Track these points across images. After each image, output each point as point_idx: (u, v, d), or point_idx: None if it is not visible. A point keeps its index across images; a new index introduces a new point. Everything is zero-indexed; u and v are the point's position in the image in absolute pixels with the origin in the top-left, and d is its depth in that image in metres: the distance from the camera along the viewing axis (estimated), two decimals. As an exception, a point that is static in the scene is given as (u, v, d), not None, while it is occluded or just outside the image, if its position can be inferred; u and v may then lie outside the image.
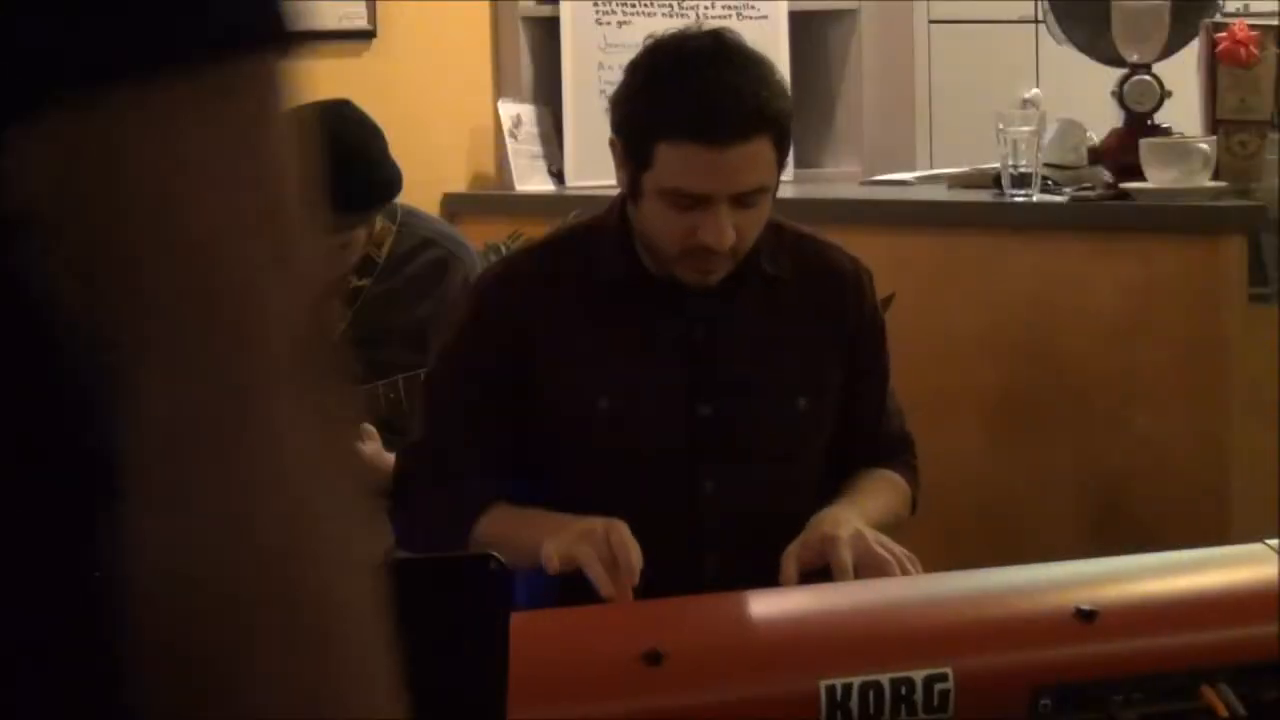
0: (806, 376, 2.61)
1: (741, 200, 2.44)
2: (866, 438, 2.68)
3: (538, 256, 2.66)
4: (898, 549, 2.39)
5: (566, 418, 2.56)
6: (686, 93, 2.43)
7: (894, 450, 2.71)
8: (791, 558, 2.41)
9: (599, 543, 2.32)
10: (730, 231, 2.44)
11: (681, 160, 2.42)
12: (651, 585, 2.34)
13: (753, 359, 2.58)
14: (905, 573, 2.35)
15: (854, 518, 2.46)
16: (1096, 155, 3.80)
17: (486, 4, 4.68)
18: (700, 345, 2.56)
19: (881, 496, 2.62)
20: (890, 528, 2.55)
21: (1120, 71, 3.75)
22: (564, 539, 2.35)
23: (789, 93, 2.53)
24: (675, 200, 2.44)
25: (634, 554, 2.32)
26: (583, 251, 2.60)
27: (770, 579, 2.41)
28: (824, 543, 2.39)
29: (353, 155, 3.27)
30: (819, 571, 2.39)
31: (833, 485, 2.64)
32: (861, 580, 2.35)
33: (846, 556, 2.35)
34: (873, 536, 2.40)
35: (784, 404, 2.59)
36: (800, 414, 2.60)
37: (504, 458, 2.60)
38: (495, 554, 1.58)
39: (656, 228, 2.49)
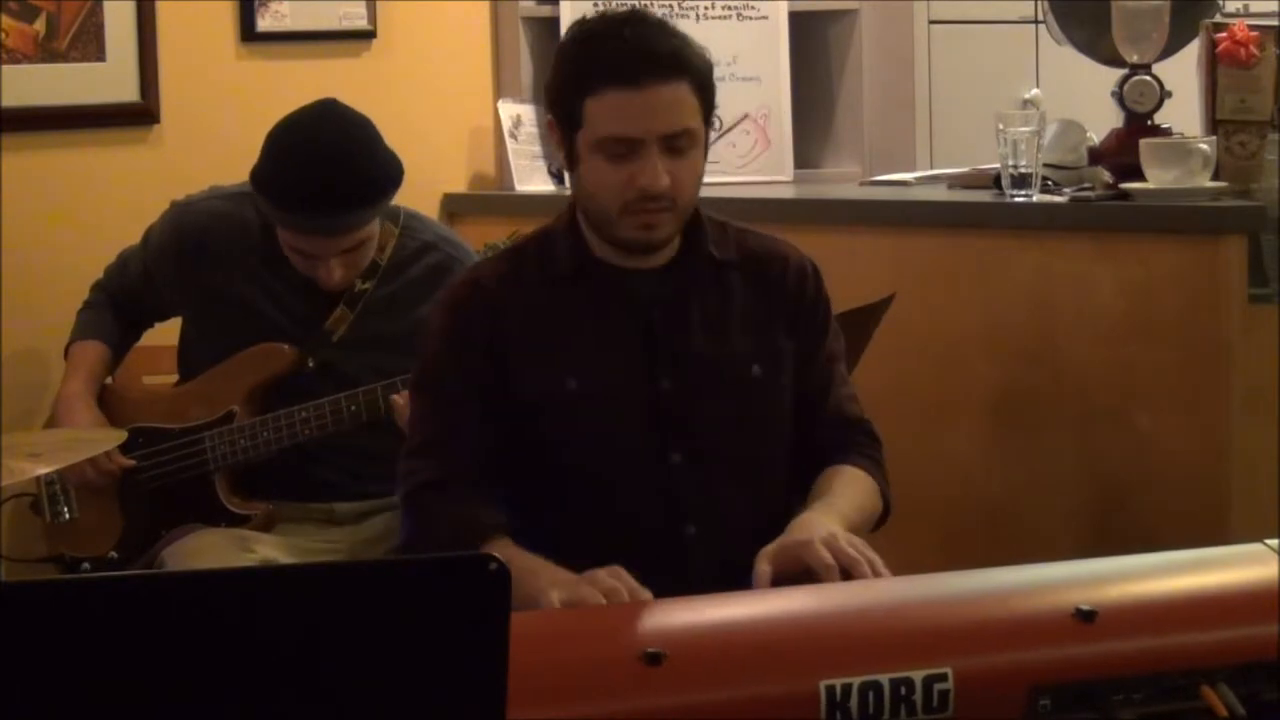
0: (758, 346, 2.71)
1: (671, 145, 2.58)
2: (821, 418, 2.75)
3: (499, 262, 2.79)
4: (869, 551, 2.44)
5: (539, 402, 2.65)
6: (606, 47, 2.60)
7: (854, 436, 2.77)
8: (765, 557, 2.45)
9: (604, 585, 2.35)
10: (664, 175, 2.56)
11: (608, 107, 2.57)
12: (637, 561, 2.41)
13: (705, 334, 2.68)
14: (875, 573, 2.39)
15: (828, 521, 2.52)
16: (1096, 155, 3.80)
17: (486, 4, 4.67)
18: (655, 325, 2.67)
19: (854, 497, 2.67)
20: (864, 526, 2.59)
21: (1120, 71, 3.75)
22: (569, 588, 2.38)
23: (707, 56, 2.66)
24: (609, 151, 2.58)
25: (643, 592, 2.36)
26: (539, 253, 2.73)
27: (748, 550, 2.47)
28: (798, 548, 2.44)
29: (354, 152, 3.27)
30: (795, 576, 2.42)
31: (798, 474, 2.71)
32: (860, 581, 2.37)
33: (825, 555, 2.41)
34: (845, 538, 2.46)
35: (738, 372, 2.69)
36: (755, 380, 2.70)
37: (496, 455, 2.66)
38: (495, 554, 1.58)
39: (596, 186, 2.62)
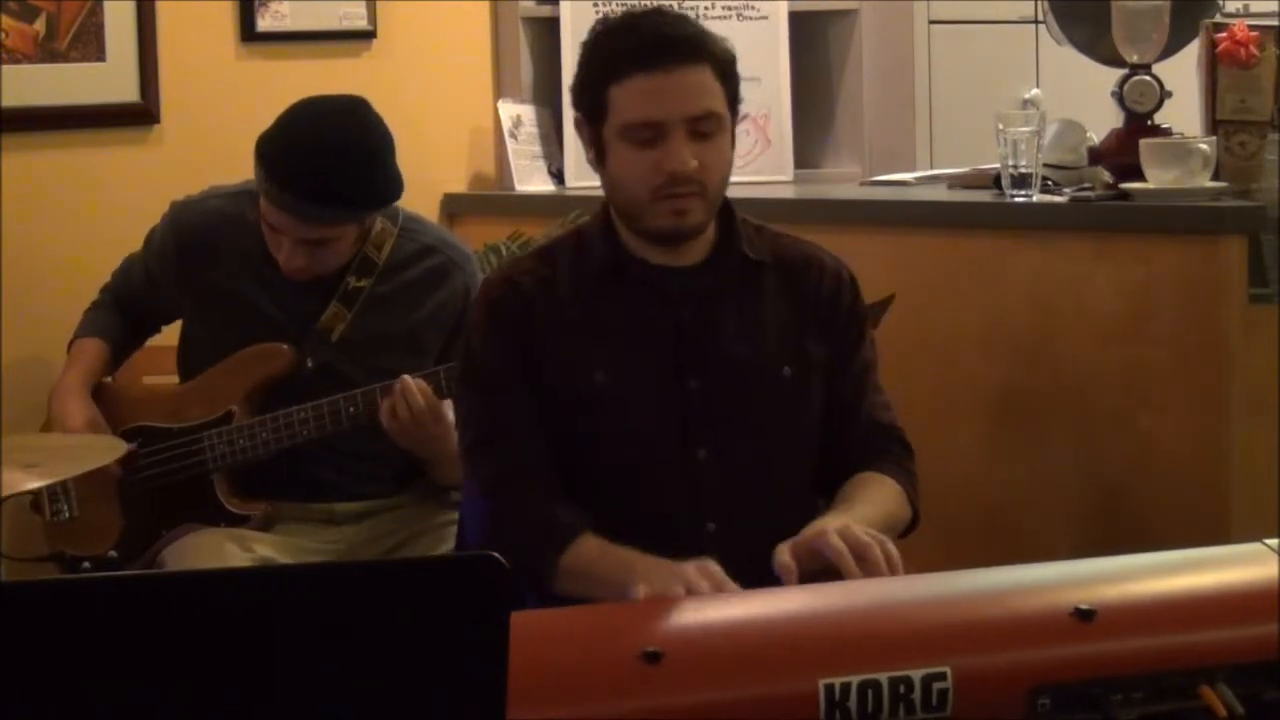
0: (789, 348, 2.72)
1: (697, 130, 2.60)
2: (852, 424, 2.76)
3: (534, 258, 2.81)
4: (883, 537, 2.45)
5: (568, 394, 2.67)
6: (629, 37, 2.62)
7: (885, 444, 2.77)
8: (784, 550, 2.46)
9: (690, 582, 2.36)
10: (690, 158, 2.59)
11: (632, 93, 2.60)
12: (656, 552, 2.46)
13: (737, 334, 2.70)
14: (887, 554, 2.40)
15: (844, 518, 2.53)
16: (1096, 155, 3.80)
17: (486, 4, 4.68)
18: (686, 324, 2.69)
19: (877, 501, 2.67)
20: (888, 531, 2.58)
21: (1120, 71, 3.75)
22: (658, 582, 2.37)
23: (728, 46, 2.68)
24: (635, 137, 2.60)
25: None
26: (574, 250, 2.74)
27: (766, 550, 2.47)
28: (813, 539, 2.45)
29: (363, 157, 3.27)
30: (816, 574, 2.42)
31: (828, 482, 2.71)
32: (860, 580, 2.37)
33: (838, 541, 2.41)
34: (859, 527, 2.47)
35: (769, 373, 2.71)
36: (785, 381, 2.71)
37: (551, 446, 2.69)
38: (496, 555, 1.58)
39: (624, 175, 2.63)
